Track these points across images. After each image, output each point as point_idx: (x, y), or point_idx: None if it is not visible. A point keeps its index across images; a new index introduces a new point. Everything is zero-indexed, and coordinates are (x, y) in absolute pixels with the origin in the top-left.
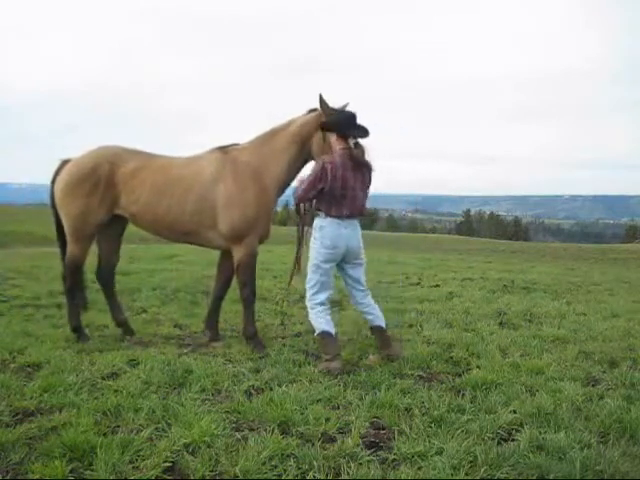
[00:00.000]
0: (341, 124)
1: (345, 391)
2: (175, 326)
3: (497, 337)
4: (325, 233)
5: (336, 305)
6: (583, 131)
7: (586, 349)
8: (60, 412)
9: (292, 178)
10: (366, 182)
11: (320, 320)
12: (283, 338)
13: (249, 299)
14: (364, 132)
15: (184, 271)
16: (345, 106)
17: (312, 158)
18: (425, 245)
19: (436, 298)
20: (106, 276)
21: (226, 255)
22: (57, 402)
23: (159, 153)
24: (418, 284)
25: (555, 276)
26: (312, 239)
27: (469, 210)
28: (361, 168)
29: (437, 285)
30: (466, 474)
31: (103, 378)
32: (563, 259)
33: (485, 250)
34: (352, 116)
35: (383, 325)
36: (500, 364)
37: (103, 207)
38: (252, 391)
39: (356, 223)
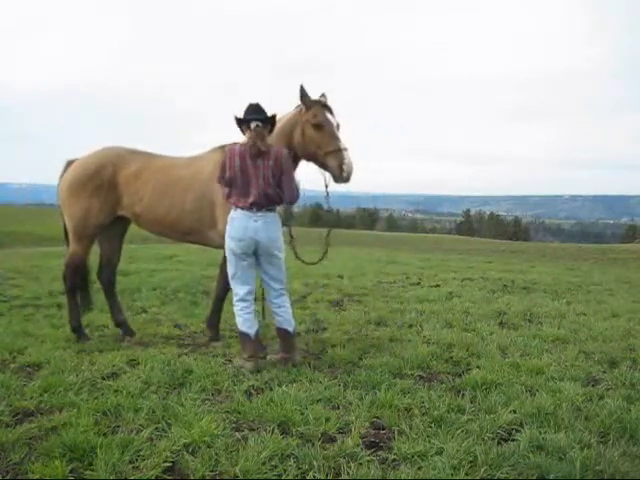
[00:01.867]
0: (244, 115)
1: (345, 391)
2: (175, 326)
3: (497, 337)
4: (233, 225)
5: (336, 305)
6: (583, 131)
7: (586, 349)
8: (60, 412)
9: None
10: (270, 169)
11: (239, 319)
12: None
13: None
14: (258, 117)
15: (184, 271)
16: (322, 96)
17: (299, 156)
18: (425, 245)
19: (436, 298)
20: (107, 276)
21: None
22: (57, 402)
23: (162, 153)
24: (418, 284)
25: (555, 276)
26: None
27: (469, 210)
28: (262, 156)
29: (437, 285)
30: (466, 474)
31: (103, 378)
32: (563, 259)
33: (485, 250)
34: (249, 105)
35: (290, 330)
36: (500, 364)
37: (106, 208)
38: (252, 391)
39: (270, 216)
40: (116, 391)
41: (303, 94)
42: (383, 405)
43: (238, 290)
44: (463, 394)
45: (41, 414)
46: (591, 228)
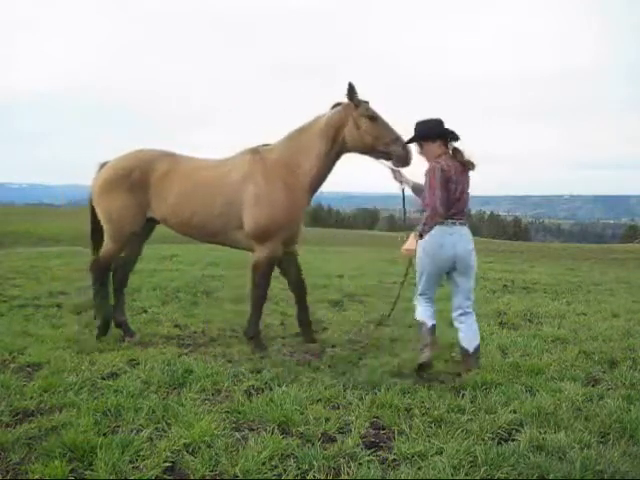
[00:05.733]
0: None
1: (345, 391)
2: (175, 326)
3: (497, 337)
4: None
5: (336, 305)
6: (583, 131)
7: (586, 349)
8: (60, 412)
9: (325, 174)
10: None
11: (418, 308)
12: (283, 338)
13: (259, 301)
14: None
15: (184, 271)
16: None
17: (347, 150)
18: None
19: (436, 298)
20: (121, 276)
21: (286, 260)
22: (57, 402)
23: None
24: None
25: (555, 276)
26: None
27: (469, 210)
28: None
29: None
30: (466, 474)
31: (103, 378)
32: (563, 259)
33: (485, 250)
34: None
35: (469, 349)
36: (500, 364)
37: (138, 209)
38: (252, 391)
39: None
40: (116, 391)
41: (352, 92)
42: (383, 405)
43: (427, 291)
44: (463, 394)
45: (41, 414)
46: (591, 228)
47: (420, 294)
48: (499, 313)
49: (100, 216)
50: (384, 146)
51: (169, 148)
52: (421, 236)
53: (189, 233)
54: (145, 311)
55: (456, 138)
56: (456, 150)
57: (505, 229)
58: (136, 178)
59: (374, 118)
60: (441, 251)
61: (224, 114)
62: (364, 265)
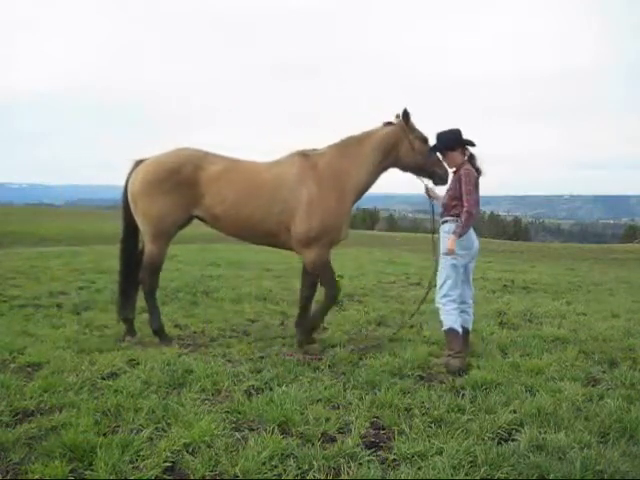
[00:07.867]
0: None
1: (345, 391)
2: (175, 326)
3: (497, 337)
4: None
5: (336, 305)
6: (583, 131)
7: (586, 349)
8: (60, 412)
9: (372, 183)
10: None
11: (450, 317)
12: (283, 338)
13: (331, 299)
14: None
15: (184, 271)
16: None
17: (398, 165)
18: (425, 245)
19: None
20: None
21: None
22: (57, 402)
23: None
24: (418, 284)
25: (555, 276)
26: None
27: None
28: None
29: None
30: (466, 474)
31: (103, 378)
32: (563, 259)
33: (485, 250)
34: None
35: (470, 328)
36: (500, 364)
37: (182, 207)
38: (252, 391)
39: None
40: (116, 391)
41: (407, 117)
42: (383, 405)
43: (452, 292)
44: (463, 394)
45: (41, 414)
46: (591, 228)
47: (444, 296)
48: (499, 313)
49: (139, 215)
50: (430, 166)
51: (169, 148)
52: (460, 236)
53: (241, 232)
54: (145, 311)
55: (473, 145)
56: (472, 156)
57: (505, 229)
58: (184, 176)
59: (426, 141)
60: (473, 244)
61: (224, 114)
62: (364, 265)
